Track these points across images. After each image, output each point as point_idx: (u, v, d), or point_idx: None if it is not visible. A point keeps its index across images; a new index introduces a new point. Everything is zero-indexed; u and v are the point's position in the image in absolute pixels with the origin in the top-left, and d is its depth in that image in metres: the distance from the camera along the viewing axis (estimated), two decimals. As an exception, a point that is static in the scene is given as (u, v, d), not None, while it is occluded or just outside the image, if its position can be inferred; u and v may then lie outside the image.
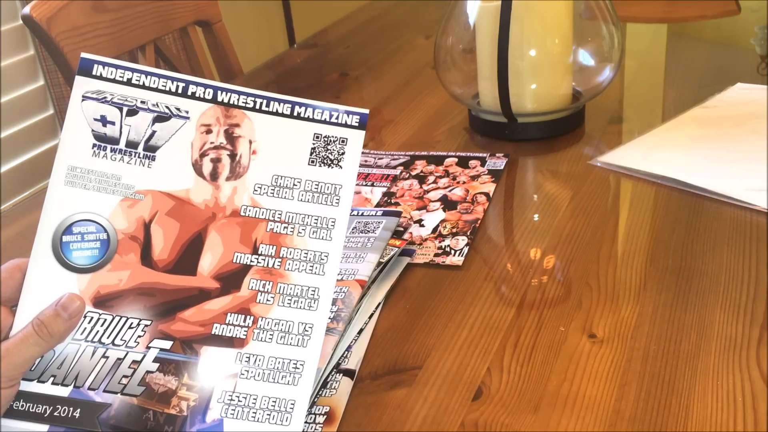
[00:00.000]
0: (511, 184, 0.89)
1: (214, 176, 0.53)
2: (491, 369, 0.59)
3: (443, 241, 0.76)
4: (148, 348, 0.50)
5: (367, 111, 0.55)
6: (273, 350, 0.50)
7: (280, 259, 0.52)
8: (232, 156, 0.53)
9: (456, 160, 0.93)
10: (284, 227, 0.52)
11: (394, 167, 0.93)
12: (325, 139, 0.54)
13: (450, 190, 0.86)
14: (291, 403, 0.49)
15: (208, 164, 0.53)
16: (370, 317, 0.65)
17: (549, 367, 0.58)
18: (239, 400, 0.49)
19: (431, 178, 0.89)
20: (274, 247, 0.52)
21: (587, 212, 0.80)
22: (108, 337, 0.51)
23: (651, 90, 1.15)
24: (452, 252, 0.74)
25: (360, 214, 0.78)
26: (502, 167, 0.90)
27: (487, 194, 0.84)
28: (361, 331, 0.63)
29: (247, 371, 0.50)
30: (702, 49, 1.30)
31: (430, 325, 0.65)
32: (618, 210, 0.83)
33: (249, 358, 0.50)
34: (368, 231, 0.74)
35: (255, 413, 0.49)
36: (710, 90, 1.06)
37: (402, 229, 0.78)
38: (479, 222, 0.79)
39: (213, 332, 0.51)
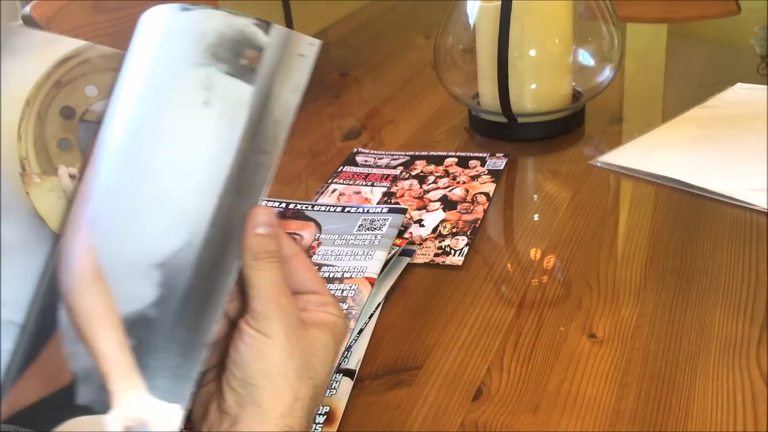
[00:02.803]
0: (511, 184, 0.89)
1: None
2: (491, 369, 0.59)
3: (443, 241, 0.76)
4: None
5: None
6: None
7: None
8: None
9: (456, 160, 0.93)
10: None
11: (394, 167, 0.93)
12: None
13: (450, 190, 0.86)
14: None
15: None
16: (370, 317, 0.65)
17: (549, 367, 0.58)
18: None
19: (431, 178, 0.89)
20: None
21: (587, 212, 0.80)
22: None
23: (651, 90, 1.15)
24: (452, 252, 0.74)
25: (366, 211, 0.78)
26: (502, 167, 0.90)
27: (487, 194, 0.84)
28: (361, 331, 0.63)
29: None
30: (702, 49, 1.30)
31: (430, 325, 0.65)
32: (618, 210, 0.83)
33: None
34: (375, 228, 0.74)
35: None
36: (710, 90, 1.06)
37: (402, 228, 0.78)
38: (479, 222, 0.79)
39: None
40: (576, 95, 1.00)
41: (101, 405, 0.40)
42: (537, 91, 0.97)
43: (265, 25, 0.44)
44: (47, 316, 0.41)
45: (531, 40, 0.94)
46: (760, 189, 0.79)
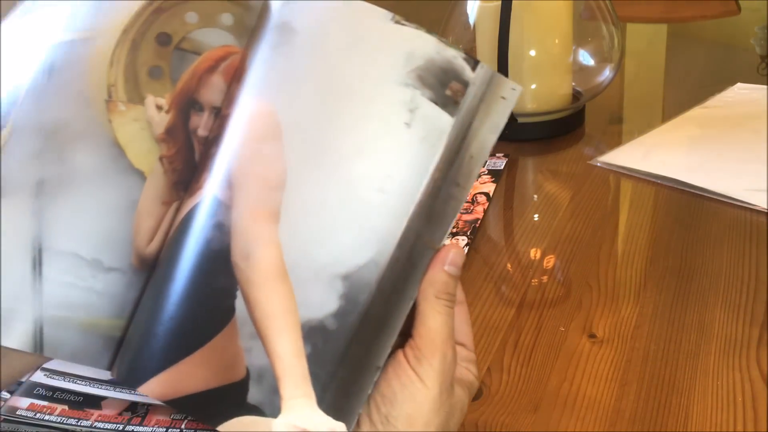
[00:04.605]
0: (511, 184, 0.89)
1: None
2: (491, 369, 0.59)
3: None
4: None
5: None
6: None
7: None
8: None
9: (456, 160, 0.93)
10: None
11: (394, 167, 0.93)
12: None
13: (450, 190, 0.86)
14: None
15: None
16: (371, 317, 0.65)
17: (549, 367, 0.58)
18: None
19: (431, 178, 0.89)
20: None
21: (587, 212, 0.80)
22: None
23: (651, 90, 1.15)
24: (452, 252, 0.74)
25: None
26: (502, 167, 0.90)
27: (487, 194, 0.84)
28: (361, 331, 0.63)
29: None
30: (702, 49, 1.30)
31: (430, 325, 0.64)
32: (618, 210, 0.83)
33: None
34: None
35: None
36: (710, 90, 1.06)
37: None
38: (479, 222, 0.79)
39: None
40: (576, 95, 1.00)
41: (271, 408, 0.39)
42: (537, 91, 0.97)
43: (473, 62, 0.44)
44: (223, 301, 0.40)
45: (531, 40, 0.94)
46: (760, 189, 0.79)
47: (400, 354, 0.41)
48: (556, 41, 0.96)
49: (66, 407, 0.51)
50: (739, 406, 0.53)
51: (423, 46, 0.43)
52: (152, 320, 0.40)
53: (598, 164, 0.90)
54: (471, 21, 1.00)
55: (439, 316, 0.41)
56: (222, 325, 0.39)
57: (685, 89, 1.11)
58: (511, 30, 0.90)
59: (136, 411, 0.51)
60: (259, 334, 0.39)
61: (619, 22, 1.00)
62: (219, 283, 0.40)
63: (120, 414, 0.51)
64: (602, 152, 0.92)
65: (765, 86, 1.05)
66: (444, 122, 0.42)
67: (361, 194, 0.41)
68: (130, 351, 0.41)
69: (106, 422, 0.50)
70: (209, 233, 0.40)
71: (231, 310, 0.39)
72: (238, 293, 0.39)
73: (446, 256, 0.42)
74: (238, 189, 0.40)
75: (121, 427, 0.50)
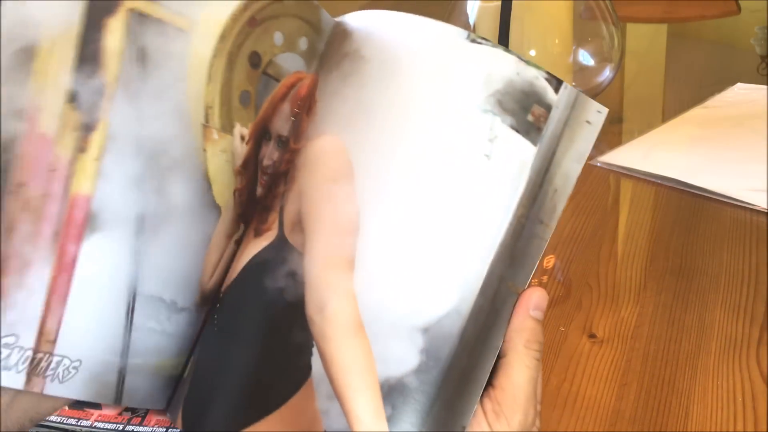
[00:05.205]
0: (511, 184, 0.89)
1: None
2: (491, 369, 0.59)
3: (443, 241, 0.76)
4: None
5: None
6: None
7: None
8: None
9: (456, 160, 0.93)
10: None
11: (394, 167, 0.92)
12: None
13: (450, 190, 0.86)
14: None
15: None
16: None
17: (549, 367, 0.58)
18: None
19: (431, 178, 0.89)
20: None
21: (587, 212, 0.80)
22: None
23: (651, 90, 1.15)
24: (452, 252, 0.74)
25: None
26: (502, 167, 0.90)
27: (487, 194, 0.84)
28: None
29: None
30: (702, 49, 1.30)
31: (430, 325, 0.64)
32: (618, 210, 0.83)
33: None
34: None
35: None
36: (710, 90, 1.06)
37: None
38: (479, 222, 0.79)
39: None
40: (576, 95, 1.00)
41: None
42: (537, 91, 0.97)
43: (556, 82, 0.40)
44: (299, 359, 0.36)
45: (531, 40, 0.94)
46: (760, 189, 0.79)
47: (478, 407, 0.38)
48: (556, 41, 0.96)
49: (66, 407, 0.51)
50: (739, 406, 0.53)
51: (502, 66, 0.38)
52: (225, 373, 0.38)
53: (598, 164, 0.90)
54: (471, 21, 1.00)
55: (527, 371, 0.38)
56: (299, 384, 0.36)
57: (685, 89, 1.11)
58: (511, 30, 0.90)
59: (136, 411, 0.51)
60: (337, 394, 0.36)
61: (619, 22, 1.00)
62: (295, 338, 0.36)
63: (120, 414, 0.51)
64: (602, 152, 0.92)
65: (765, 86, 1.05)
66: (526, 152, 0.38)
67: (439, 237, 0.37)
68: (199, 403, 0.38)
69: (106, 422, 0.50)
70: (282, 282, 0.37)
71: (307, 369, 0.36)
72: (314, 350, 0.36)
73: (530, 300, 0.38)
74: (310, 234, 0.37)
75: (121, 427, 0.50)
